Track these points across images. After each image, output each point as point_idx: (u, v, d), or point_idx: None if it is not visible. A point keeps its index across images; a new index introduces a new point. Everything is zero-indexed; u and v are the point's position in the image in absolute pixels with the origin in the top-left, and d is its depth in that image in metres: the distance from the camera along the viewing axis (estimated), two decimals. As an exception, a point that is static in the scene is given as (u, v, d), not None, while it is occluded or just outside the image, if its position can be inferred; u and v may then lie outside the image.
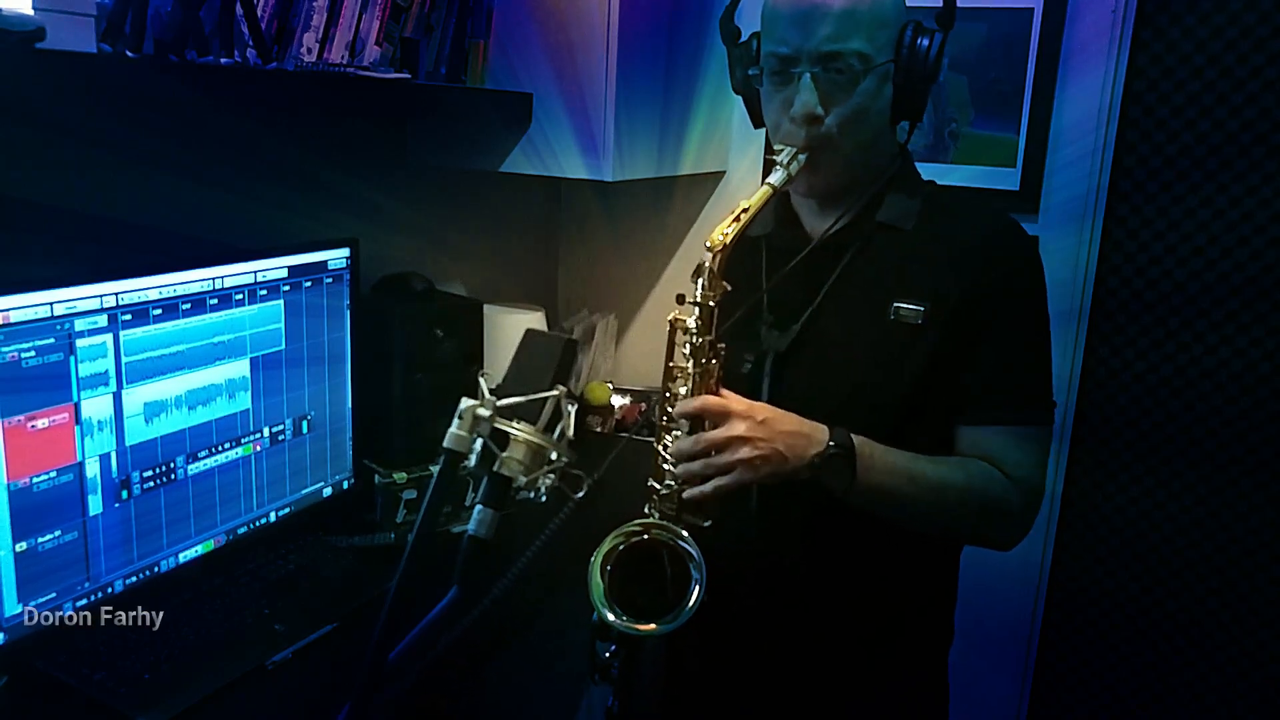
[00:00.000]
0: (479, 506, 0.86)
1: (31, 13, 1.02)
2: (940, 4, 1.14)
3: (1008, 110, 1.95)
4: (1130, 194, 1.95)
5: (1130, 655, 2.13)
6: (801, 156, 1.11)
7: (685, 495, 1.08)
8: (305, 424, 1.53)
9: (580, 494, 0.96)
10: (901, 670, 1.27)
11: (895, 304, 1.14)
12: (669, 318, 1.11)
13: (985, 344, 1.13)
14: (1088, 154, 1.92)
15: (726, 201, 2.25)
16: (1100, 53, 1.88)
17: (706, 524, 1.10)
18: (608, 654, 1.15)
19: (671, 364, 1.11)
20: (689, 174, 2.11)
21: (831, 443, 1.06)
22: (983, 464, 1.15)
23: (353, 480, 1.63)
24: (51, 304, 1.14)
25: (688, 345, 1.09)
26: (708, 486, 1.06)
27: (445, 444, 0.85)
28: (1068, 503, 2.10)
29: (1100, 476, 2.08)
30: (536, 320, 2.02)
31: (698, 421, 1.08)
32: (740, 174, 2.22)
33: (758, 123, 1.23)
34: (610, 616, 1.04)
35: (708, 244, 1.08)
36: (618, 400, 2.24)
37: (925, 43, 1.11)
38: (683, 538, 1.07)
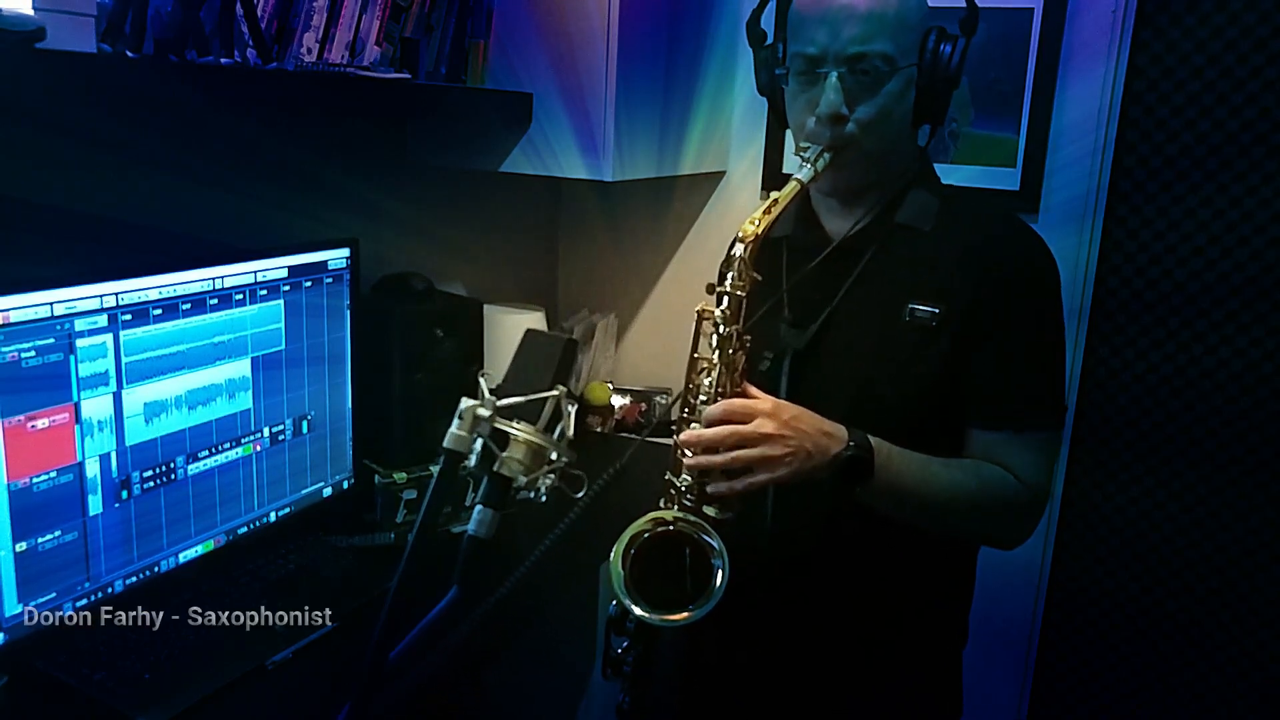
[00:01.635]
0: (479, 506, 0.86)
1: (31, 13, 1.02)
2: (952, 5, 1.15)
3: (1008, 110, 1.95)
4: (1130, 194, 1.95)
5: (1130, 655, 2.13)
6: (827, 155, 1.12)
7: (709, 489, 1.08)
8: (305, 424, 1.53)
9: (581, 494, 0.96)
10: (915, 668, 1.27)
11: (910, 305, 1.15)
12: (697, 308, 1.12)
13: (994, 347, 1.14)
14: (1088, 154, 1.92)
15: (726, 201, 2.26)
16: (1100, 53, 1.88)
17: (727, 516, 1.10)
18: (621, 649, 1.15)
19: (696, 355, 1.12)
20: (689, 174, 2.11)
21: (851, 442, 1.07)
22: (994, 467, 1.15)
23: (353, 480, 1.63)
24: (51, 304, 1.14)
25: (714, 336, 1.10)
26: (737, 484, 1.05)
27: (445, 444, 0.85)
28: (1068, 503, 2.10)
29: (1100, 476, 2.08)
30: (536, 320, 2.02)
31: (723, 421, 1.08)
32: (740, 174, 2.22)
33: (784, 124, 1.24)
34: (635, 609, 1.04)
35: (739, 234, 1.09)
36: (618, 400, 2.24)
37: (948, 48, 1.13)
38: (705, 529, 1.07)
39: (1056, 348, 1.18)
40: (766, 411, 1.05)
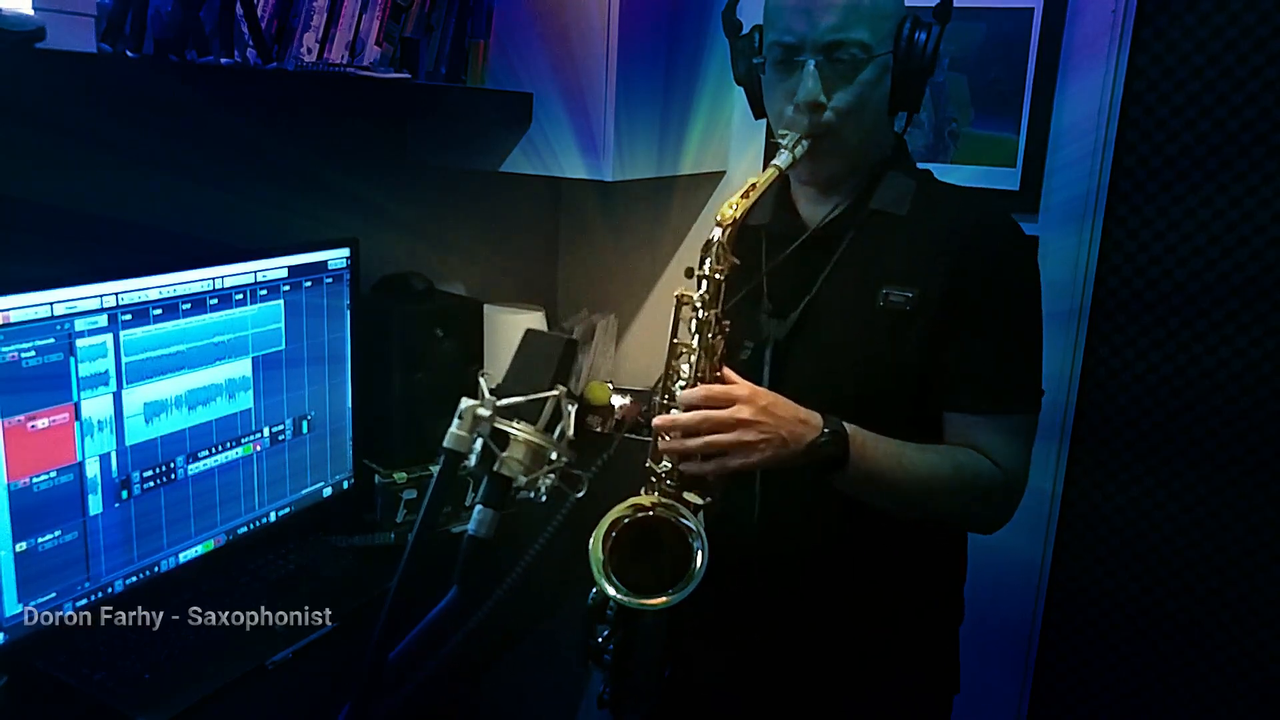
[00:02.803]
0: (479, 506, 0.86)
1: (31, 13, 1.02)
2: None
3: (1008, 110, 1.95)
4: (1130, 194, 1.95)
5: (1130, 655, 2.13)
6: (805, 142, 1.13)
7: (683, 468, 1.09)
8: (305, 424, 1.53)
9: (580, 493, 0.96)
10: (910, 646, 1.27)
11: (885, 290, 1.16)
12: (675, 293, 1.12)
13: (971, 332, 1.15)
14: (1088, 154, 1.92)
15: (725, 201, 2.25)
16: (1100, 53, 1.88)
17: (707, 500, 1.10)
18: (602, 638, 1.15)
19: (676, 340, 1.12)
20: (689, 174, 2.11)
21: (825, 429, 1.08)
22: (970, 452, 1.16)
23: (353, 480, 1.63)
24: (51, 304, 1.14)
25: (693, 321, 1.10)
26: (708, 465, 1.06)
27: (445, 444, 0.85)
28: (1068, 503, 2.10)
29: (1100, 476, 2.08)
30: (536, 320, 2.02)
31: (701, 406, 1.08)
32: (740, 174, 2.22)
33: (759, 113, 1.25)
34: (612, 591, 1.04)
35: (717, 218, 1.10)
36: (618, 400, 2.24)
37: (923, 36, 1.14)
38: (682, 512, 1.07)
39: (1033, 332, 1.19)
40: (743, 397, 1.06)
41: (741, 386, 1.09)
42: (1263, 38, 1.81)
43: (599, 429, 2.21)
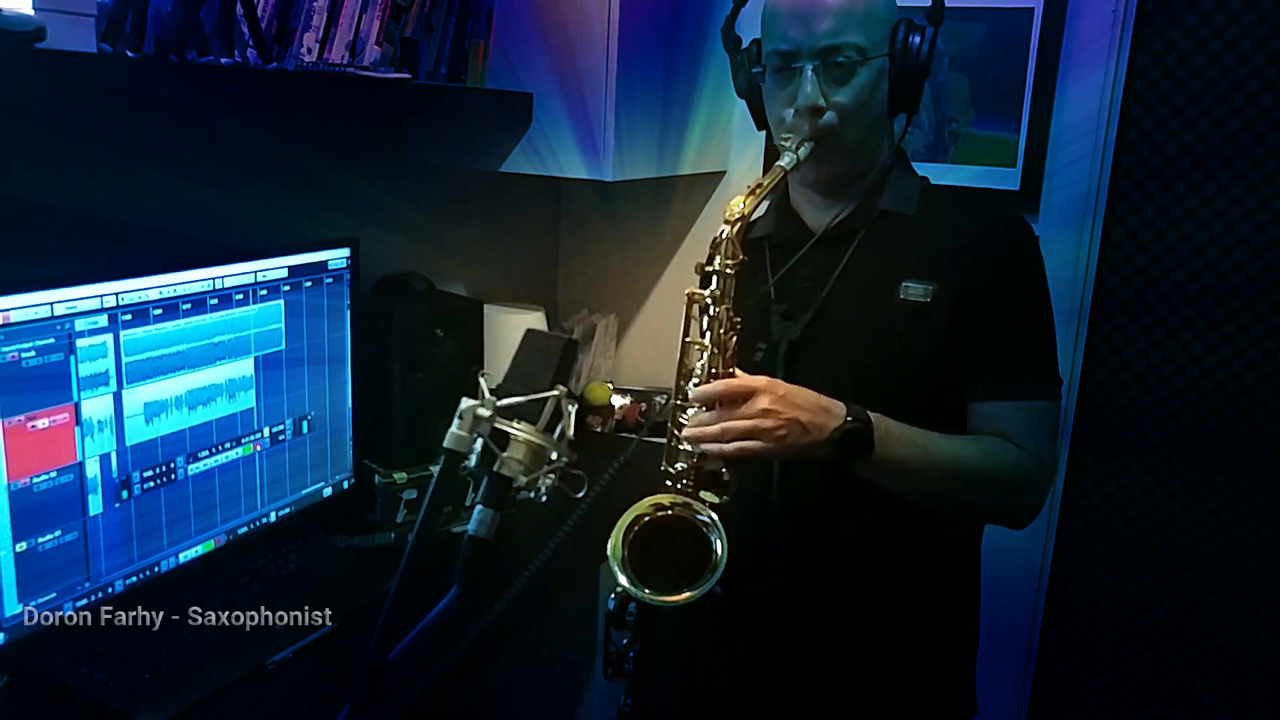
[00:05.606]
0: (479, 506, 0.86)
1: (31, 13, 1.02)
2: (931, 2, 1.18)
3: (1008, 110, 1.95)
4: (1130, 194, 1.95)
5: (1130, 655, 2.13)
6: (809, 144, 1.15)
7: (706, 449, 1.08)
8: (305, 424, 1.53)
9: (581, 494, 0.96)
10: (925, 669, 1.27)
11: (904, 284, 1.17)
12: (686, 292, 1.12)
13: (989, 322, 1.16)
14: (1088, 154, 1.92)
15: (726, 201, 2.24)
16: (1100, 53, 1.88)
17: (723, 499, 1.10)
18: (621, 645, 1.14)
19: (688, 339, 1.12)
20: (689, 174, 2.11)
21: (849, 417, 1.07)
22: (996, 440, 1.15)
23: (353, 480, 1.63)
24: (51, 304, 1.14)
25: (705, 318, 1.11)
26: (729, 447, 1.06)
27: (445, 444, 0.85)
28: (1068, 503, 2.10)
29: (1100, 476, 2.08)
30: (536, 320, 2.02)
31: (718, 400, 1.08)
32: (740, 174, 2.22)
33: (761, 125, 1.27)
34: (627, 583, 1.03)
35: (725, 215, 1.11)
36: (618, 400, 2.24)
37: (917, 39, 1.17)
38: (698, 508, 1.07)
39: (1048, 321, 1.20)
40: (761, 387, 1.06)
41: (759, 379, 1.08)
42: (1263, 38, 1.81)
43: (599, 429, 2.21)
